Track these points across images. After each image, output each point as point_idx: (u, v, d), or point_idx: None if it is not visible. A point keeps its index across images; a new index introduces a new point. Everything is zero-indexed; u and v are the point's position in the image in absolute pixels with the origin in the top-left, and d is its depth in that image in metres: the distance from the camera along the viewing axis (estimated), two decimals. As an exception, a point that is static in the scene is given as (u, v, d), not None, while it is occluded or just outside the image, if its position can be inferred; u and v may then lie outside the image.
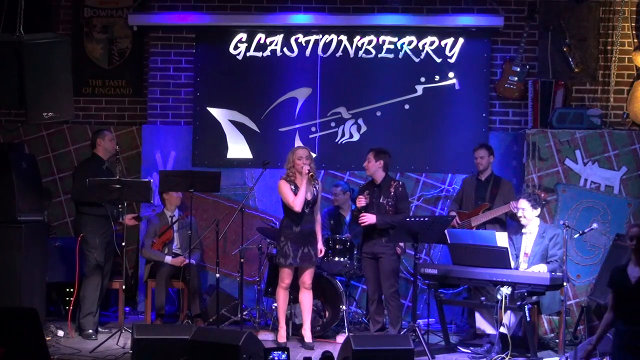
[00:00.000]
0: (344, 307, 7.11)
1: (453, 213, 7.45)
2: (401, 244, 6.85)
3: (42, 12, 8.30)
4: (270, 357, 5.52)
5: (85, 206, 7.01)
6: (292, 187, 6.76)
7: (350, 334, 6.54)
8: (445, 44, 8.12)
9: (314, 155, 8.05)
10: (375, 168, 7.01)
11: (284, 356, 5.54)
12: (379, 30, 8.16)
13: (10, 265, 6.58)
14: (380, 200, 6.94)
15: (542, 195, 7.02)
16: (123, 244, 6.95)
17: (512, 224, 7.21)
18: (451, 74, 8.14)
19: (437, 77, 8.15)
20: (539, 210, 6.74)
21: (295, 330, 7.04)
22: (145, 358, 5.68)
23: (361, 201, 6.96)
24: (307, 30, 8.19)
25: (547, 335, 7.30)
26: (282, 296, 6.83)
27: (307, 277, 6.82)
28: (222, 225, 7.17)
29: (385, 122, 8.19)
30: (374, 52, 8.18)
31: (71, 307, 7.00)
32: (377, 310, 7.03)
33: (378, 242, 6.91)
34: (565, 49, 8.07)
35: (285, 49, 8.21)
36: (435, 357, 6.39)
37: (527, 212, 6.70)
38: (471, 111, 8.14)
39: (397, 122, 8.19)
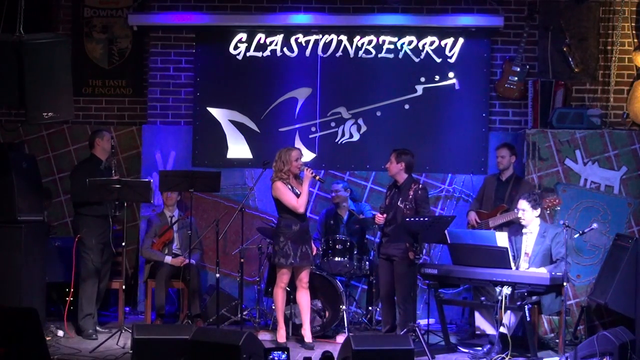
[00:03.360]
0: (344, 307, 7.10)
1: (472, 212, 7.42)
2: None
3: (42, 12, 8.30)
4: (271, 357, 5.52)
5: (82, 207, 7.01)
6: (289, 187, 6.76)
7: (350, 334, 6.54)
8: (445, 44, 8.12)
9: (314, 155, 8.10)
10: (396, 170, 6.95)
11: (284, 356, 5.54)
12: (379, 30, 8.15)
13: (10, 265, 6.57)
14: (399, 204, 6.89)
15: (557, 201, 7.00)
16: (123, 244, 6.95)
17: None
18: (451, 74, 8.13)
19: (437, 77, 8.15)
20: (539, 210, 6.71)
21: (295, 330, 7.03)
22: (145, 358, 5.68)
23: (380, 219, 6.94)
24: (307, 30, 8.18)
25: (547, 335, 7.30)
26: (281, 296, 6.83)
27: (304, 275, 6.82)
28: (222, 225, 7.16)
29: (385, 122, 8.18)
30: (374, 52, 8.17)
31: (67, 307, 7.00)
32: (387, 311, 7.00)
33: (392, 245, 6.86)
34: (565, 49, 8.06)
35: (285, 49, 8.20)
36: (435, 357, 6.38)
37: (527, 213, 6.66)
38: (471, 111, 8.13)
39: (397, 122, 8.17)
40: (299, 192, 6.74)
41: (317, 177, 6.85)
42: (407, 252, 6.76)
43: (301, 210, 6.73)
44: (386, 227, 6.93)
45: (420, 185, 7.00)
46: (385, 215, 6.92)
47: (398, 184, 6.97)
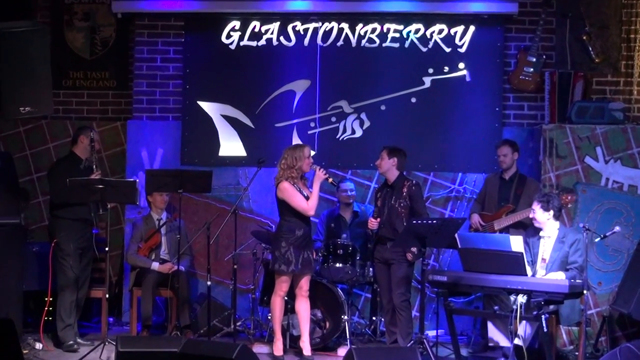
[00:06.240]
0: (345, 317, 7.10)
1: (475, 215, 7.42)
2: (413, 249, 6.79)
3: (18, -1, 8.31)
4: (266, 371, 5.51)
5: (59, 209, 6.98)
6: (297, 188, 6.73)
7: (353, 346, 6.55)
8: (455, 32, 8.12)
9: (313, 152, 8.07)
10: (388, 166, 6.96)
11: (280, 371, 5.53)
12: (383, 17, 8.15)
13: (-17, 273, 6.57)
14: (392, 202, 6.90)
15: (569, 198, 6.99)
16: (106, 249, 6.93)
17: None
18: (461, 65, 8.14)
19: (446, 68, 8.15)
20: (551, 212, 6.67)
21: (292, 342, 7.03)
22: (130, 373, 5.67)
23: (373, 224, 6.95)
24: (305, 17, 8.19)
25: (565, 348, 7.30)
26: (279, 305, 6.81)
27: (304, 283, 6.81)
28: (213, 229, 7.16)
29: (390, 117, 8.18)
30: (377, 41, 8.17)
31: (43, 318, 6.98)
32: (392, 321, 6.97)
33: (390, 248, 6.85)
34: (584, 38, 8.06)
35: (281, 38, 8.20)
36: (444, 371, 6.39)
37: (538, 215, 6.65)
38: (483, 105, 8.14)
39: (403, 117, 8.18)
40: (305, 194, 6.73)
41: (331, 180, 6.83)
42: (404, 254, 6.80)
43: (311, 213, 6.73)
44: (380, 230, 6.93)
45: (414, 182, 7.03)
46: (379, 219, 6.93)
47: (389, 182, 6.98)
